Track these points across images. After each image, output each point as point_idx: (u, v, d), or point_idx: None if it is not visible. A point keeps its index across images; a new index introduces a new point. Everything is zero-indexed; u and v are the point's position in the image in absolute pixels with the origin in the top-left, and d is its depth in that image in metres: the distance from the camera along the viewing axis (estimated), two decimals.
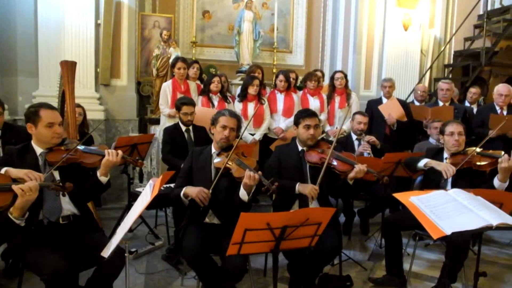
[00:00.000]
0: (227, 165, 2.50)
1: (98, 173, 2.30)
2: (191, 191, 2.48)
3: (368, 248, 3.84)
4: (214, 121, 2.71)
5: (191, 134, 3.86)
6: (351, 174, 2.58)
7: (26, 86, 4.87)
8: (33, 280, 2.54)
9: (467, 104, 5.38)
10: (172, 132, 3.85)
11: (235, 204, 2.50)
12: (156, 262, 3.39)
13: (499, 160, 2.71)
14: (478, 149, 2.93)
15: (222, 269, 2.35)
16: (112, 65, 5.14)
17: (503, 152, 2.84)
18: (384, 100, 5.02)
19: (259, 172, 2.41)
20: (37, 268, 2.02)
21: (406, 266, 3.10)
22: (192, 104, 3.87)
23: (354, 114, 4.30)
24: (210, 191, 2.45)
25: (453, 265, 2.83)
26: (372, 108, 5.07)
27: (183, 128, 3.85)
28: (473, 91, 5.43)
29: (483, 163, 2.85)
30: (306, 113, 2.88)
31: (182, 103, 3.81)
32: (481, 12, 7.17)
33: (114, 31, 5.09)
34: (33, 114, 2.23)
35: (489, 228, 1.76)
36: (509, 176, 2.74)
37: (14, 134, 3.24)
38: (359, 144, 4.15)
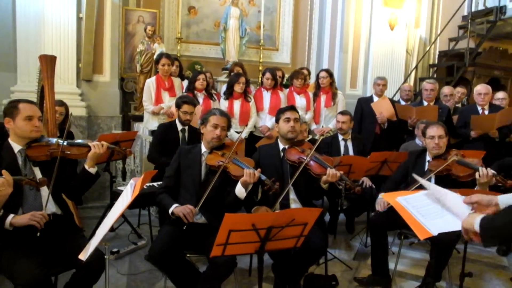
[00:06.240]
0: (224, 164, 2.48)
1: (86, 166, 2.32)
2: (177, 210, 2.43)
3: (353, 247, 3.84)
4: (204, 120, 2.68)
5: (186, 134, 3.78)
6: (324, 178, 2.58)
7: (4, 80, 4.69)
8: (8, 284, 2.44)
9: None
10: (166, 130, 3.77)
11: (227, 202, 2.51)
12: (138, 263, 3.32)
13: (477, 174, 2.71)
14: (456, 158, 2.91)
15: (210, 264, 2.29)
16: (95, 61, 5.00)
17: (481, 162, 2.85)
18: (375, 98, 5.03)
19: (259, 170, 2.43)
20: (12, 275, 1.95)
21: (391, 265, 3.11)
22: (194, 103, 3.78)
23: (337, 113, 4.31)
24: (197, 209, 2.42)
25: (437, 264, 2.85)
26: (362, 106, 5.08)
27: (180, 127, 3.77)
28: (461, 91, 5.51)
29: (461, 174, 2.84)
30: (285, 108, 2.96)
31: (183, 101, 3.72)
32: (465, 13, 7.27)
33: (96, 25, 4.96)
34: (11, 108, 2.20)
35: None
36: (487, 187, 2.73)
37: None
38: (345, 145, 4.15)
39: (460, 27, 7.39)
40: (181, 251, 2.48)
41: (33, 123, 2.21)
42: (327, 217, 4.12)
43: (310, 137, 4.83)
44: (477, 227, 1.50)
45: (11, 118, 2.19)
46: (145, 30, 5.58)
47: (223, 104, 4.56)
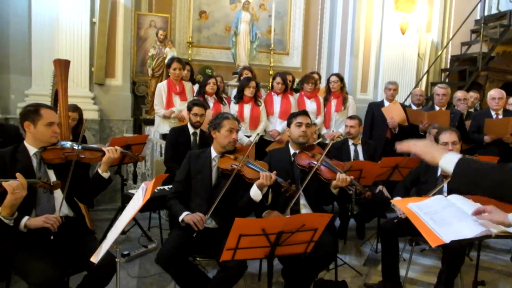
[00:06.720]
0: (238, 167, 2.49)
1: (99, 170, 2.35)
2: (187, 218, 2.43)
3: (364, 253, 3.81)
4: (216, 125, 2.66)
5: (197, 138, 3.81)
6: (334, 183, 2.57)
7: (19, 84, 4.79)
8: (22, 283, 2.47)
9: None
10: (178, 133, 3.81)
11: (240, 206, 2.52)
12: (149, 266, 3.33)
13: None
14: None
15: (221, 268, 2.30)
16: (107, 65, 5.07)
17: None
18: (386, 103, 5.01)
19: (274, 172, 2.44)
20: (26, 275, 1.98)
21: (402, 271, 3.07)
22: (204, 106, 3.84)
23: (346, 118, 4.31)
24: (207, 216, 2.42)
25: (449, 272, 2.81)
26: (373, 111, 5.05)
27: (191, 130, 3.81)
28: (474, 95, 5.45)
29: None
30: (297, 113, 2.96)
31: (194, 103, 3.80)
32: (478, 17, 7.19)
33: (109, 30, 5.03)
34: (32, 112, 2.22)
35: (488, 236, 1.73)
36: None
37: (3, 133, 3.18)
38: (355, 150, 4.13)
39: (472, 31, 7.31)
40: (190, 255, 2.49)
41: (53, 129, 2.25)
42: (337, 222, 4.10)
43: (320, 140, 4.82)
44: (448, 166, 1.39)
45: (31, 123, 2.21)
46: (156, 34, 5.64)
47: (233, 108, 4.58)
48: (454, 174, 1.38)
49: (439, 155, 1.43)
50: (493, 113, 4.49)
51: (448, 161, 1.40)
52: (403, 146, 1.61)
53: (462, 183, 1.38)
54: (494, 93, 4.49)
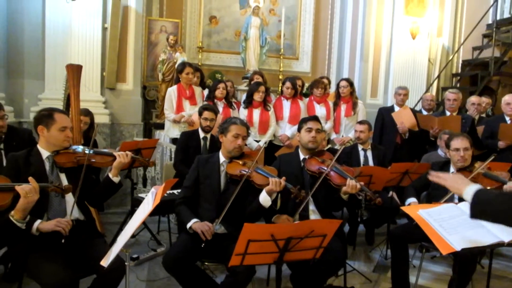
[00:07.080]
0: (247, 173, 2.48)
1: (110, 174, 2.37)
2: (196, 226, 2.43)
3: (373, 259, 3.78)
4: (224, 130, 2.66)
5: (207, 142, 3.83)
6: (344, 189, 2.55)
7: (32, 88, 4.87)
8: (33, 285, 2.50)
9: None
10: (188, 137, 3.84)
11: (249, 211, 2.50)
12: (157, 269, 3.35)
13: (505, 187, 2.64)
14: (482, 170, 2.83)
15: (229, 272, 2.29)
16: (118, 69, 5.13)
17: (509, 175, 2.77)
18: (396, 108, 4.99)
19: (284, 178, 2.43)
20: (39, 277, 2.01)
21: (412, 278, 3.03)
22: (214, 111, 3.87)
23: (356, 123, 4.30)
24: (215, 225, 2.42)
25: (460, 280, 2.77)
26: (383, 116, 5.02)
27: (202, 134, 3.84)
28: (486, 100, 5.40)
29: (487, 187, 2.76)
30: (308, 118, 2.96)
31: (204, 108, 3.84)
32: (490, 21, 7.12)
33: (120, 35, 5.10)
34: (46, 117, 2.26)
35: (500, 244, 1.71)
36: None
37: (16, 137, 3.24)
38: (365, 155, 4.11)
39: (484, 36, 7.24)
40: (197, 260, 2.49)
41: (66, 134, 2.29)
42: (346, 228, 4.07)
43: (329, 146, 4.81)
44: (467, 197, 1.58)
45: (45, 127, 2.25)
46: (167, 39, 5.69)
47: (243, 113, 4.59)
48: (470, 204, 1.56)
49: (463, 188, 1.62)
50: (507, 118, 4.43)
51: (468, 192, 1.59)
52: (434, 177, 1.81)
53: (475, 212, 1.55)
54: (509, 99, 4.43)
